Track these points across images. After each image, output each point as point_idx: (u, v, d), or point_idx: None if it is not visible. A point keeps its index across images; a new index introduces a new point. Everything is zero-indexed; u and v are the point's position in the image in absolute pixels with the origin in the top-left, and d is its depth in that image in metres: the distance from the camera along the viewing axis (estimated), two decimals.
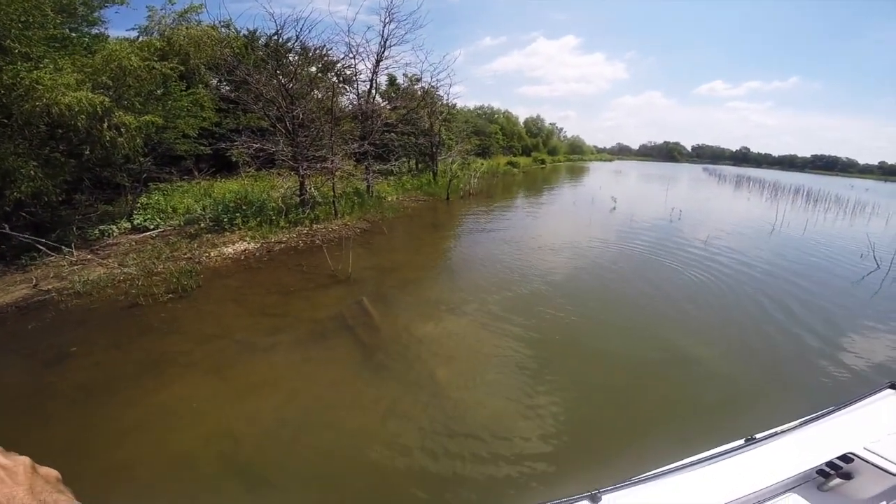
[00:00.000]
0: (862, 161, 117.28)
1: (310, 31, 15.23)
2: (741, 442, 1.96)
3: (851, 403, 2.19)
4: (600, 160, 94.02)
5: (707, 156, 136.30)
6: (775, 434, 1.99)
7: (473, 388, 5.02)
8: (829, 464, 1.74)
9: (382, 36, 15.85)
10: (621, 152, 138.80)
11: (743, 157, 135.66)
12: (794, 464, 1.79)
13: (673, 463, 1.84)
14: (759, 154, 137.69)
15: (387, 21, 15.71)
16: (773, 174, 69.26)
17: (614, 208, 19.22)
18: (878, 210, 24.32)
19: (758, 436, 1.97)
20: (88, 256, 8.81)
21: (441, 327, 6.59)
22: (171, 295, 7.27)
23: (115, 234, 9.88)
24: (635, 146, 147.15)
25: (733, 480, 1.76)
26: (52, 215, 9.34)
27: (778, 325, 7.14)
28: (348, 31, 16.76)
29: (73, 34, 9.35)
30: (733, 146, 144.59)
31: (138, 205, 11.06)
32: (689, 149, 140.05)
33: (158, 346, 5.78)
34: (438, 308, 7.30)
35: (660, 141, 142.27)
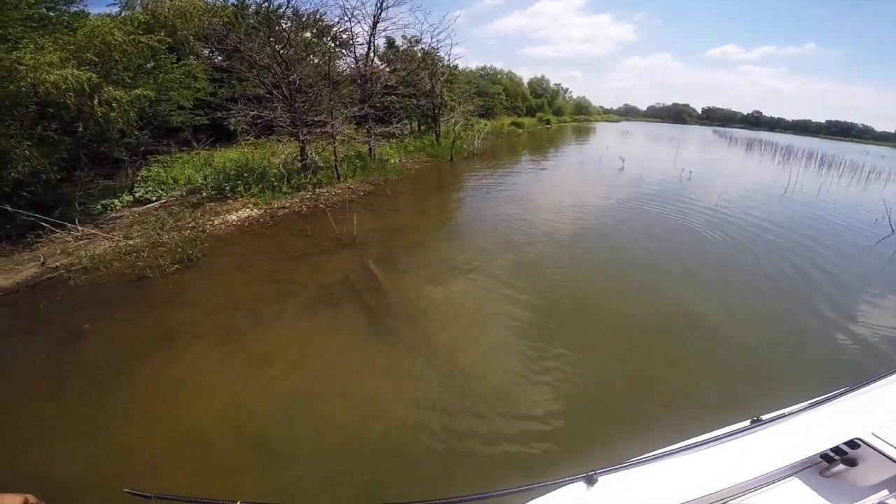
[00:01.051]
0: (878, 128, 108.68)
1: None
2: (746, 423, 1.89)
3: (862, 385, 2.11)
4: (607, 121, 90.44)
5: (717, 118, 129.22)
6: (782, 416, 1.91)
7: (481, 355, 4.91)
8: (835, 449, 1.69)
9: None
10: (629, 113, 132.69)
11: (755, 121, 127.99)
12: (799, 448, 1.73)
13: (675, 444, 1.78)
14: (772, 118, 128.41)
15: None
16: (786, 138, 65.63)
17: (622, 168, 18.63)
18: (893, 176, 23.20)
19: (764, 417, 1.90)
20: (93, 231, 8.65)
21: (448, 291, 6.43)
22: (177, 265, 7.15)
23: (117, 208, 9.69)
24: (643, 107, 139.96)
25: (735, 463, 1.69)
26: (53, 193, 9.14)
27: (790, 290, 6.92)
28: None
29: (51, 13, 8.88)
30: (745, 110, 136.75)
31: (139, 178, 10.81)
32: (700, 111, 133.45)
33: (168, 319, 5.68)
34: (445, 270, 7.12)
35: (669, 103, 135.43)
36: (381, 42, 18.65)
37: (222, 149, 14.49)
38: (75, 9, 9.44)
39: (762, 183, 17.50)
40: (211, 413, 4.07)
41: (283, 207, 10.33)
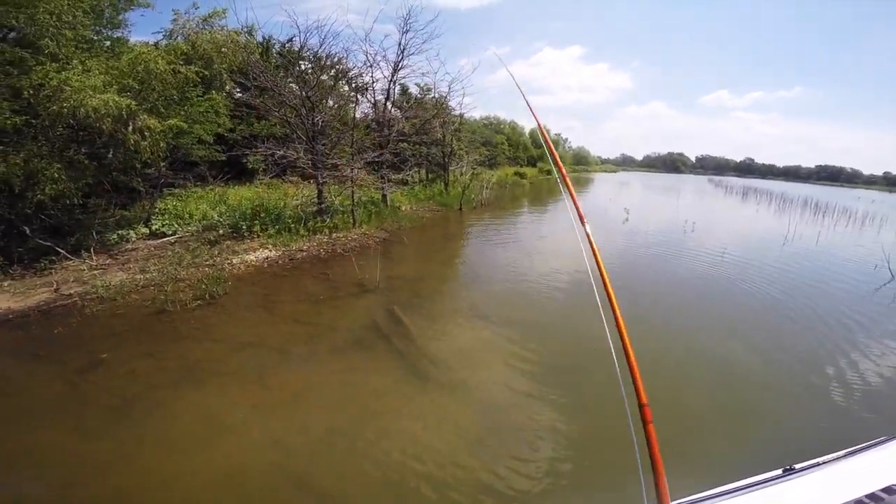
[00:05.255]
0: (866, 171, 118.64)
1: (334, 39, 15.16)
2: (778, 472, 1.89)
3: None
4: (605, 171, 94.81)
5: (711, 167, 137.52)
6: (817, 464, 1.92)
7: (513, 396, 5.02)
8: (871, 495, 1.66)
9: (400, 45, 16.00)
10: (625, 163, 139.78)
11: (747, 168, 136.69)
12: (834, 495, 1.71)
13: (696, 493, 1.77)
14: (764, 165, 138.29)
15: (405, 30, 15.89)
16: (779, 185, 69.53)
17: (627, 220, 19.31)
18: (886, 221, 24.34)
19: (797, 466, 1.90)
20: (108, 261, 8.74)
21: (474, 338, 6.53)
22: (198, 301, 7.21)
23: (133, 240, 9.82)
24: (639, 157, 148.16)
25: None
26: (69, 219, 9.29)
27: (807, 335, 7.11)
28: (366, 38, 16.76)
29: (96, 37, 9.42)
30: (737, 157, 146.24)
31: (156, 210, 11.02)
32: (693, 159, 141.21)
33: (193, 354, 5.70)
34: (469, 319, 7.24)
35: (664, 151, 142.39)
36: (396, 89, 19.69)
37: (235, 186, 14.88)
38: (118, 34, 10.03)
39: (762, 233, 18.13)
40: (247, 450, 4.05)
41: (302, 250, 10.54)
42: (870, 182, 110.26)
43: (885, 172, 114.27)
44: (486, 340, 6.41)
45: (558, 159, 2.17)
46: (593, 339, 6.48)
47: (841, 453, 1.99)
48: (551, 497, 3.63)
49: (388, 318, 7.03)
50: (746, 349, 6.46)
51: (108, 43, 9.76)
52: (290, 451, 4.07)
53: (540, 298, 8.27)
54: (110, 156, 9.13)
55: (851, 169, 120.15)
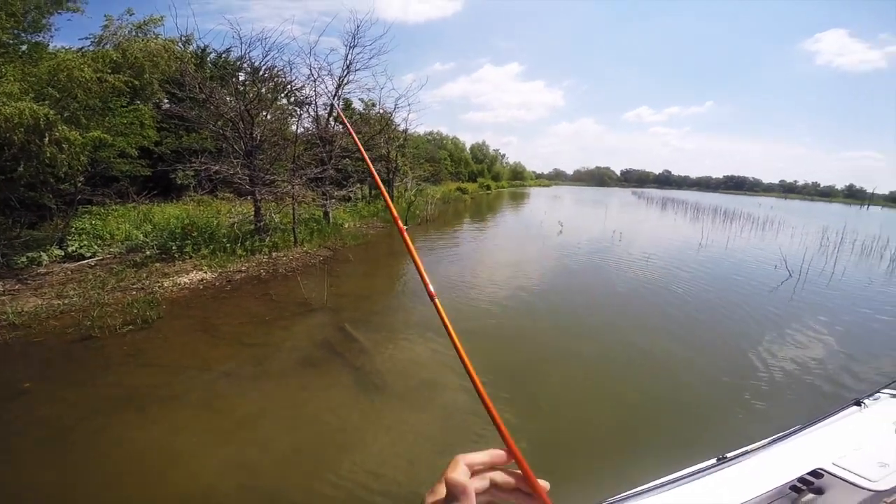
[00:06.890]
0: (766, 181, 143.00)
1: (279, 52, 14.85)
2: (713, 461, 2.06)
3: (819, 421, 2.40)
4: (539, 185, 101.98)
5: (634, 179, 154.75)
6: (746, 452, 2.11)
7: (473, 401, 5.23)
8: (801, 479, 1.82)
9: (346, 60, 16.14)
10: (558, 177, 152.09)
11: (665, 180, 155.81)
12: (767, 481, 1.85)
13: (641, 485, 1.89)
14: (680, 176, 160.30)
15: (352, 45, 16.05)
16: (693, 195, 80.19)
17: (561, 232, 20.72)
18: (782, 225, 28.14)
19: (729, 455, 2.07)
20: (17, 286, 8.14)
21: (429, 349, 6.77)
22: (130, 326, 6.93)
23: (45, 262, 9.18)
24: (570, 171, 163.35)
25: (706, 500, 1.84)
26: None
27: (724, 329, 8.11)
28: (310, 52, 16.63)
29: (12, 41, 8.90)
30: (657, 169, 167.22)
31: (71, 229, 10.35)
32: (619, 173, 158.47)
33: (130, 380, 5.52)
34: (422, 332, 7.48)
35: (592, 166, 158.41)
36: (340, 104, 19.79)
37: (161, 204, 14.24)
38: (37, 39, 9.50)
39: (680, 240, 20.19)
40: (208, 473, 4.05)
41: (240, 271, 10.32)
42: (769, 189, 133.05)
43: (780, 180, 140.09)
44: (439, 351, 6.67)
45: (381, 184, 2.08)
46: (533, 344, 7.14)
47: (766, 441, 2.21)
48: None
49: (340, 335, 7.15)
50: (674, 343, 7.36)
51: (24, 48, 9.23)
52: (255, 471, 4.08)
53: (485, 309, 8.76)
54: (20, 169, 8.56)
55: (753, 178, 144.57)
